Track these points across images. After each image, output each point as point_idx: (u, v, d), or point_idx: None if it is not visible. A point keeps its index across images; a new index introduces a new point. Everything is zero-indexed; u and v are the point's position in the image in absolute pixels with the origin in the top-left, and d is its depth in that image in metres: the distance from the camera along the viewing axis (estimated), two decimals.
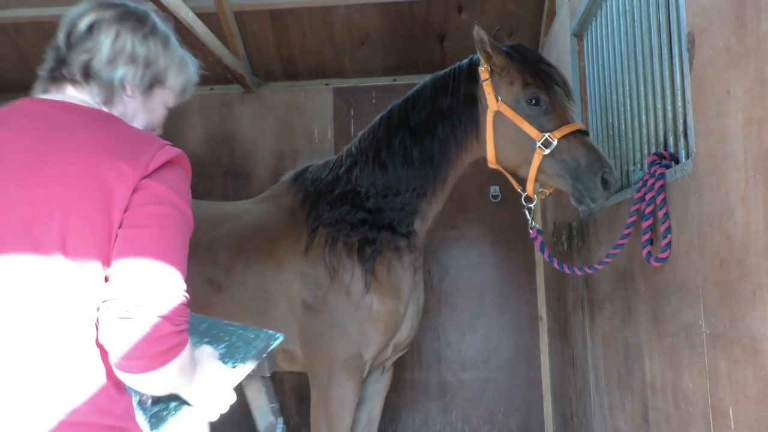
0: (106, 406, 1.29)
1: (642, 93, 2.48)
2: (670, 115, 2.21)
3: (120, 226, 1.29)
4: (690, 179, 1.90)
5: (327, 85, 5.03)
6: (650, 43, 2.37)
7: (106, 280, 1.28)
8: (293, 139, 4.93)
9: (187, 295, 1.33)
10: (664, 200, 2.06)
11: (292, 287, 2.90)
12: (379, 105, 4.80)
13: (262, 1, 4.54)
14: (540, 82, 2.64)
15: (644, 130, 2.47)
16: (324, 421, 2.85)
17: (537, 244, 2.77)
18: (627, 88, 2.66)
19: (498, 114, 2.68)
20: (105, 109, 1.48)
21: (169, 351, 1.26)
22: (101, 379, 1.29)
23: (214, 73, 4.98)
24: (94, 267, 1.27)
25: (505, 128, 2.67)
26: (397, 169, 2.84)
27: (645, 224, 2.14)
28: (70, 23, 1.56)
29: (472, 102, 2.77)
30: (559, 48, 3.78)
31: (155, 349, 1.23)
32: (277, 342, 1.77)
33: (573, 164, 2.52)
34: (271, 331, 1.82)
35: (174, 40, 1.58)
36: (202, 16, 4.09)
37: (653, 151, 2.37)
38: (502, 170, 2.79)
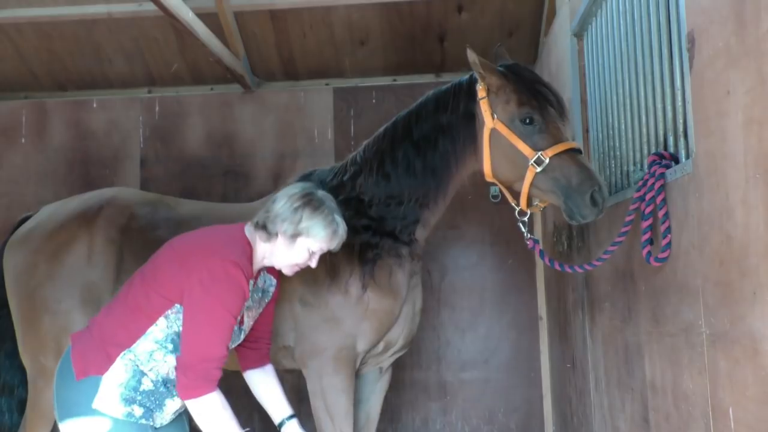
0: (111, 346, 2.19)
1: (642, 93, 2.48)
2: (670, 115, 2.21)
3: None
4: (690, 179, 1.90)
5: (327, 85, 5.03)
6: (650, 43, 2.37)
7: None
8: (293, 139, 4.93)
9: (209, 363, 2.11)
10: (664, 200, 2.07)
11: (291, 285, 2.95)
12: (379, 105, 4.81)
13: (262, 1, 4.54)
14: (534, 103, 2.72)
15: (644, 130, 2.47)
16: (324, 409, 2.94)
17: (537, 253, 2.85)
18: (627, 88, 2.67)
19: (494, 131, 2.76)
20: (264, 243, 2.30)
21: (185, 391, 2.11)
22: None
23: (214, 73, 4.99)
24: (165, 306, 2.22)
25: (500, 145, 2.76)
26: (400, 179, 2.93)
27: (645, 224, 2.14)
28: (282, 196, 2.36)
29: (471, 118, 2.85)
30: (559, 48, 3.78)
31: (178, 388, 2.13)
32: None
33: (564, 182, 2.60)
34: None
35: (326, 210, 2.29)
36: (202, 16, 4.09)
37: (653, 151, 2.37)
38: (498, 184, 2.88)
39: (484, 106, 2.78)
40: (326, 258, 2.93)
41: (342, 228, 2.35)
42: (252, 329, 2.45)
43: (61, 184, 4.94)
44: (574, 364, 3.59)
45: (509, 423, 4.71)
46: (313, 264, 2.37)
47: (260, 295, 2.45)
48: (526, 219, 2.80)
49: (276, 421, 2.47)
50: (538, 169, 2.62)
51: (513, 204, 2.84)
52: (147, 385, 2.19)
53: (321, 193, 2.36)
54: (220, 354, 2.13)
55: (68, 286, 3.10)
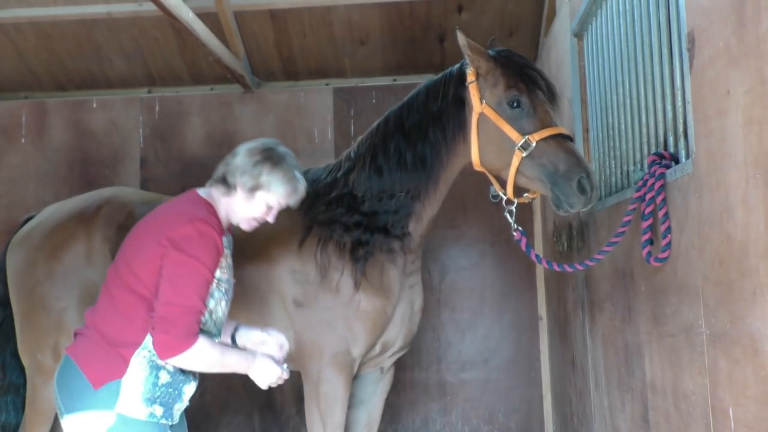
0: (122, 347, 2.16)
1: (642, 93, 2.48)
2: (670, 115, 2.21)
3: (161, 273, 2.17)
4: (690, 179, 1.90)
5: (327, 85, 5.03)
6: (650, 43, 2.37)
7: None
8: (293, 139, 4.93)
9: (190, 318, 2.10)
10: (664, 200, 2.06)
11: (283, 284, 2.96)
12: (379, 105, 4.81)
13: (262, 1, 4.54)
14: (522, 86, 2.68)
15: (644, 130, 2.47)
16: (317, 415, 2.94)
17: (522, 246, 2.77)
18: (627, 88, 2.66)
19: (482, 116, 2.72)
20: (224, 198, 2.33)
21: (170, 350, 2.09)
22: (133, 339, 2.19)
23: (214, 73, 4.99)
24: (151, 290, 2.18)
25: (487, 130, 2.71)
26: (392, 172, 2.90)
27: (645, 224, 2.14)
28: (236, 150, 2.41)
29: (461, 104, 2.81)
30: (559, 48, 3.78)
31: (160, 348, 2.10)
32: None
33: (551, 168, 2.55)
34: None
35: (287, 166, 2.32)
36: (202, 16, 4.09)
37: (653, 151, 2.37)
38: (487, 173, 2.82)
39: (473, 90, 2.74)
40: (317, 257, 2.93)
41: (302, 185, 2.36)
42: None
43: (61, 184, 4.94)
44: (574, 364, 3.59)
45: (509, 423, 4.71)
46: (271, 219, 2.37)
47: (230, 251, 2.45)
48: (513, 208, 2.75)
49: (228, 336, 2.47)
50: (525, 154, 2.56)
51: (501, 193, 2.78)
52: (165, 378, 2.19)
53: (282, 148, 2.38)
54: (199, 307, 2.13)
55: (66, 284, 3.11)
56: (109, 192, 3.41)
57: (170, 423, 2.23)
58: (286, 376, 2.31)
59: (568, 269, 2.66)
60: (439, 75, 2.94)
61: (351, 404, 3.17)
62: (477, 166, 2.80)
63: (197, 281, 2.14)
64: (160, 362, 2.17)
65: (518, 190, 2.76)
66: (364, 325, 2.91)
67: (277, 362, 2.34)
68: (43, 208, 3.50)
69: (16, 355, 3.33)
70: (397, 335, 3.08)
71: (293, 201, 2.37)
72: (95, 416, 2.12)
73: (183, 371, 2.24)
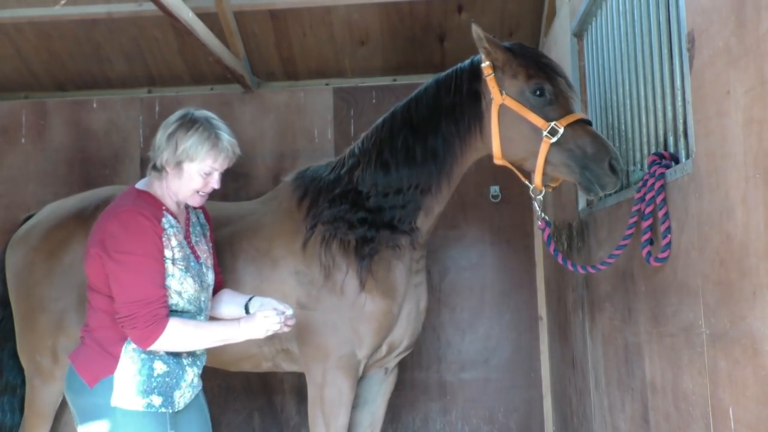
0: (111, 345, 2.21)
1: (642, 93, 2.48)
2: (670, 115, 2.21)
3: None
4: (690, 179, 1.90)
5: (327, 85, 5.03)
6: (650, 43, 2.37)
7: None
8: (293, 139, 4.93)
9: (150, 307, 2.11)
10: (664, 200, 2.07)
11: (287, 285, 2.94)
12: (379, 105, 4.81)
13: (262, 1, 4.54)
14: (543, 74, 2.70)
15: (644, 130, 2.47)
16: (321, 418, 2.92)
17: (545, 236, 2.77)
18: (627, 88, 2.67)
19: (503, 107, 2.71)
20: (163, 182, 2.26)
21: (145, 340, 2.13)
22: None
23: (214, 73, 4.99)
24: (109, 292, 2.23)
25: (510, 121, 2.70)
26: (399, 168, 2.87)
27: (645, 224, 2.14)
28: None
29: (476, 98, 2.81)
30: (559, 48, 3.78)
31: (137, 342, 2.15)
32: None
33: (579, 153, 2.56)
34: None
35: (201, 127, 2.21)
36: (202, 16, 4.09)
37: (653, 151, 2.37)
38: (509, 165, 2.80)
39: (491, 83, 2.74)
40: (320, 257, 2.92)
41: (226, 140, 2.25)
42: None
43: (61, 184, 4.94)
44: (574, 364, 3.59)
45: (509, 423, 4.71)
46: (216, 185, 2.28)
47: (200, 228, 2.46)
48: (541, 197, 2.74)
49: (242, 306, 2.46)
50: (553, 140, 2.57)
51: (527, 182, 2.77)
52: (161, 368, 2.21)
53: (200, 113, 2.28)
54: (155, 295, 2.14)
55: (66, 285, 3.10)
56: (107, 191, 3.40)
57: (171, 410, 2.23)
58: (289, 320, 2.31)
59: (581, 270, 2.65)
60: (449, 70, 2.93)
61: (355, 405, 3.15)
62: (498, 158, 2.78)
63: (141, 272, 2.13)
64: (151, 353, 2.20)
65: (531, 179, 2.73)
66: (370, 327, 2.89)
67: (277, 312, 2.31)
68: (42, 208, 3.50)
69: (13, 355, 3.32)
70: (403, 335, 3.05)
71: (222, 160, 2.25)
72: (95, 414, 2.17)
73: (180, 359, 2.26)
